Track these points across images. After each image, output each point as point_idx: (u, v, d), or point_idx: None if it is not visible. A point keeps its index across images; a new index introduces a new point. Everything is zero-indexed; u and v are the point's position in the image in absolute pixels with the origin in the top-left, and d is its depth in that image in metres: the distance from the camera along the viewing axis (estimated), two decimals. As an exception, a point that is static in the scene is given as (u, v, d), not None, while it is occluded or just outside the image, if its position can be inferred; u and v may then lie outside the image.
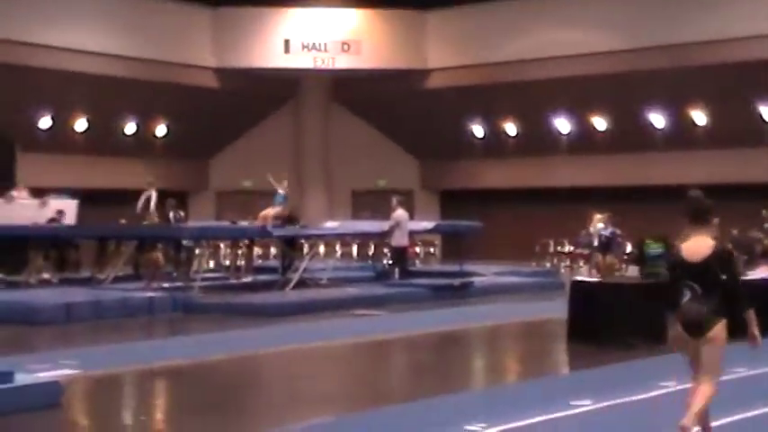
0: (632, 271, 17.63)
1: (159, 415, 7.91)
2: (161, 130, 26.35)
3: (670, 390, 7.87)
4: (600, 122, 25.71)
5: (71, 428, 7.20)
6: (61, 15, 23.17)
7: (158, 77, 24.74)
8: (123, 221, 20.23)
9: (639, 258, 11.92)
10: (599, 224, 19.80)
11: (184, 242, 18.15)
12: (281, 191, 18.59)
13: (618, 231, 20.41)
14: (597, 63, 24.31)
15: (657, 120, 24.89)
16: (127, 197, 20.84)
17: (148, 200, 19.02)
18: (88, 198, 20.98)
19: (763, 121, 23.44)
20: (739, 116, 23.24)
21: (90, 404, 8.32)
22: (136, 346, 11.65)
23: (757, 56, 21.99)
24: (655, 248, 11.60)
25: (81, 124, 24.71)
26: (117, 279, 17.65)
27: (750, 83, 22.44)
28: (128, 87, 24.19)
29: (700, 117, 24.36)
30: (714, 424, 5.82)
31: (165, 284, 16.53)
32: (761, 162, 23.49)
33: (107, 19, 24.15)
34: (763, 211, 18.03)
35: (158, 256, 17.05)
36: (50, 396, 7.52)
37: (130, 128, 25.68)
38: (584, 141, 25.92)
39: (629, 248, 20.68)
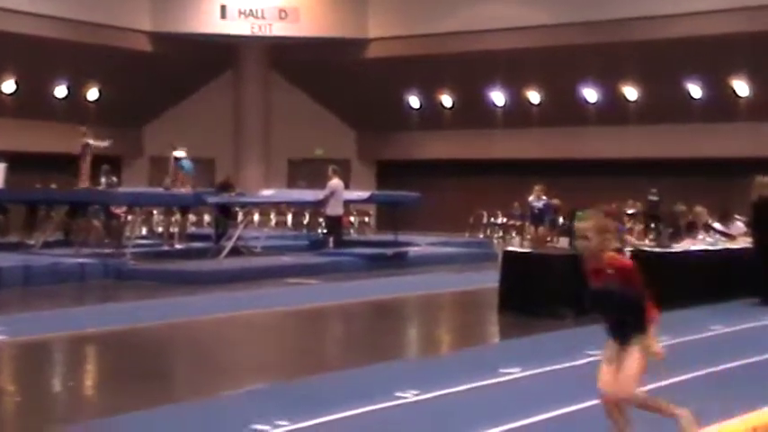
0: (563, 243, 17.97)
1: (88, 381, 7.85)
2: (93, 94, 25.86)
3: (596, 358, 8.07)
4: (534, 96, 26.00)
5: (-2, 395, 7.10)
6: (-10, -27, 22.53)
7: (91, 40, 24.24)
8: (54, 186, 19.83)
9: (570, 230, 12.13)
10: (542, 196, 20.14)
11: (114, 208, 17.88)
12: (182, 156, 18.24)
13: (555, 202, 20.75)
14: (533, 37, 24.54)
15: (590, 94, 25.27)
16: (57, 162, 20.42)
17: (84, 147, 18.21)
18: (17, 162, 20.53)
19: (692, 97, 23.97)
20: (669, 92, 23.73)
21: (17, 370, 8.21)
22: (66, 312, 11.49)
23: (687, 33, 22.45)
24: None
25: (9, 86, 24.12)
26: (47, 244, 17.35)
27: (679, 60, 22.91)
28: (59, 49, 23.65)
29: (631, 92, 24.81)
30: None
31: (97, 250, 16.31)
32: (688, 137, 24.04)
33: (39, -22, 23.55)
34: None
35: (95, 222, 16.79)
36: (-23, 362, 7.40)
37: (61, 91, 25.16)
38: (519, 114, 26.21)
39: (561, 220, 21.05)
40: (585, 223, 4.83)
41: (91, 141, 18.07)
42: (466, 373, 7.20)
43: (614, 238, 5.03)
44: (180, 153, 18.34)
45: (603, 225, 4.83)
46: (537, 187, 20.68)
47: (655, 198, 21.10)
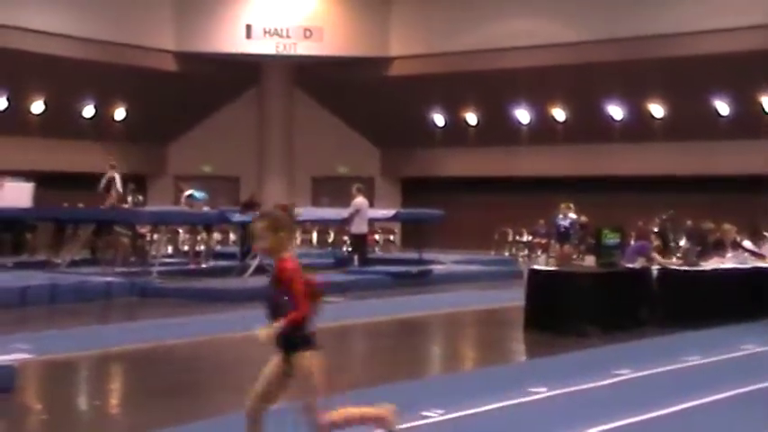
0: (589, 260, 17.84)
1: (114, 399, 7.85)
2: (120, 113, 26.07)
3: (624, 378, 7.99)
4: (560, 113, 25.92)
5: (24, 413, 7.12)
6: (19, -5, 22.82)
7: (118, 60, 24.47)
8: (81, 205, 19.99)
9: (596, 248, 12.05)
10: (570, 213, 20.02)
11: (140, 227, 18.01)
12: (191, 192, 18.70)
13: (583, 219, 20.62)
14: (558, 54, 24.48)
15: (616, 111, 25.15)
16: (84, 180, 20.58)
17: (110, 181, 18.77)
18: (45, 181, 20.72)
19: (718, 114, 23.80)
20: (695, 109, 23.58)
21: (44, 388, 8.24)
22: (92, 330, 11.54)
23: (713, 49, 22.31)
24: (611, 238, 11.74)
25: (38, 106, 24.37)
26: (74, 263, 17.46)
27: (706, 76, 22.76)
28: (87, 69, 23.89)
29: (657, 110, 24.66)
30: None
31: (124, 269, 16.39)
32: (716, 154, 23.85)
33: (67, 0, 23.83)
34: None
35: (123, 240, 16.92)
36: (4, 380, 7.42)
37: (88, 111, 25.38)
38: (544, 132, 26.12)
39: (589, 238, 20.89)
40: (260, 223, 4.72)
41: (117, 176, 18.63)
42: (492, 391, 7.14)
43: (291, 236, 4.88)
44: (190, 191, 18.75)
45: (277, 223, 4.69)
46: (563, 205, 20.57)
47: (664, 217, 20.80)
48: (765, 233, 14.51)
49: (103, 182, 18.93)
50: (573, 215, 20.30)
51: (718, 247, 13.43)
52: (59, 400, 7.54)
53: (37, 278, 14.89)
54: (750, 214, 18.05)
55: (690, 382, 7.80)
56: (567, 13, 24.71)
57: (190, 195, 18.58)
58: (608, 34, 23.88)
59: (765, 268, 12.71)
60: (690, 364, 8.75)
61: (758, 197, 22.31)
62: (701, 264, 12.54)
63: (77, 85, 24.42)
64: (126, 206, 18.45)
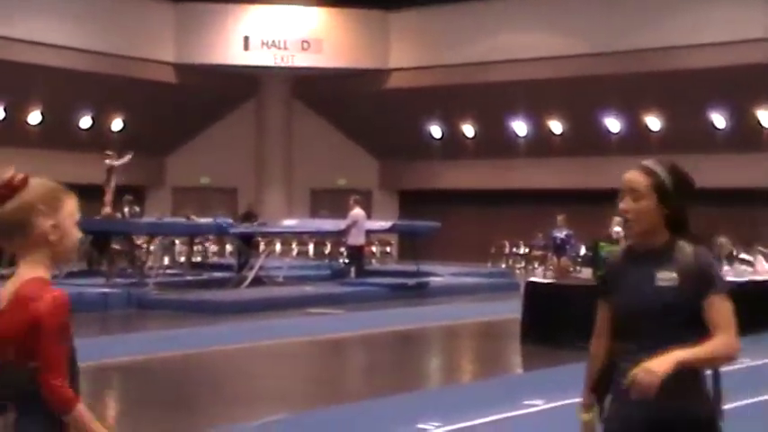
0: (586, 273, 17.83)
1: (110, 411, 7.83)
2: (117, 124, 26.07)
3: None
4: (556, 126, 25.96)
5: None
6: (18, 6, 22.82)
7: (116, 71, 24.48)
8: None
9: (593, 260, 12.06)
10: (563, 226, 20.02)
11: (136, 238, 17.98)
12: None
13: (571, 233, 20.62)
14: (555, 67, 24.54)
15: (613, 124, 25.20)
16: (81, 192, 20.50)
17: (109, 172, 18.58)
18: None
19: (714, 127, 23.86)
20: (692, 122, 23.63)
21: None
22: (88, 342, 11.49)
23: (710, 63, 22.37)
24: (608, 251, 11.74)
25: (35, 117, 24.36)
26: (71, 274, 17.43)
27: (702, 90, 22.82)
28: (84, 81, 23.91)
29: (654, 122, 24.72)
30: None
31: (120, 280, 16.37)
32: (712, 167, 23.86)
33: (65, 10, 23.86)
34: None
35: (118, 249, 16.90)
36: None
37: (86, 122, 25.38)
38: (541, 144, 26.16)
39: (582, 251, 20.91)
40: None
41: (115, 163, 18.48)
42: (489, 404, 7.14)
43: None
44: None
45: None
46: (560, 217, 20.59)
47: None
48: (759, 248, 14.52)
49: (104, 176, 18.71)
50: (566, 228, 20.31)
51: (726, 260, 13.45)
52: None
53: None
54: (749, 227, 18.08)
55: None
56: (565, 26, 24.79)
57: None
58: (605, 47, 23.96)
59: (762, 281, 12.71)
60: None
61: (754, 210, 22.34)
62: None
63: (75, 97, 24.43)
64: (120, 216, 18.38)
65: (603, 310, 3.15)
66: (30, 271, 2.53)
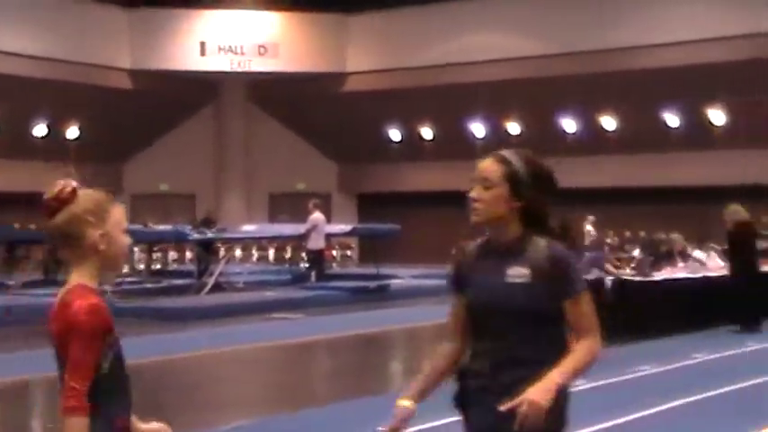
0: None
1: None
2: (73, 132, 25.81)
3: (580, 388, 8.08)
4: (514, 127, 26.18)
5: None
6: (-32, 13, 22.54)
7: (71, 78, 24.24)
8: (32, 226, 19.73)
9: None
10: None
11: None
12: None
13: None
14: (513, 68, 24.75)
15: (569, 125, 25.47)
16: (36, 201, 20.28)
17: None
18: (-4, 201, 20.45)
19: (668, 126, 24.22)
20: (646, 122, 23.97)
21: (-1, 412, 8.13)
22: (46, 352, 11.38)
23: (664, 63, 22.72)
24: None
25: (-11, 125, 24.04)
26: (27, 284, 17.23)
27: (656, 89, 23.16)
28: (38, 88, 23.63)
29: (609, 122, 25.03)
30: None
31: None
32: (666, 166, 24.24)
33: (19, 17, 23.58)
34: None
35: None
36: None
37: (41, 129, 25.09)
38: (499, 145, 26.02)
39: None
40: None
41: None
42: (452, 406, 7.19)
43: None
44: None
45: None
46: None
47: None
48: (712, 245, 14.78)
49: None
50: None
51: (669, 258, 13.67)
52: (12, 424, 7.45)
53: (-10, 300, 14.67)
54: (702, 224, 18.38)
55: (643, 392, 7.93)
56: (522, 28, 25.01)
57: None
58: (562, 48, 24.21)
59: (715, 278, 12.95)
60: (643, 373, 8.89)
61: (707, 207, 22.69)
62: (654, 274, 12.75)
63: (29, 104, 24.14)
64: None
65: (455, 307, 2.98)
66: (77, 278, 2.66)
